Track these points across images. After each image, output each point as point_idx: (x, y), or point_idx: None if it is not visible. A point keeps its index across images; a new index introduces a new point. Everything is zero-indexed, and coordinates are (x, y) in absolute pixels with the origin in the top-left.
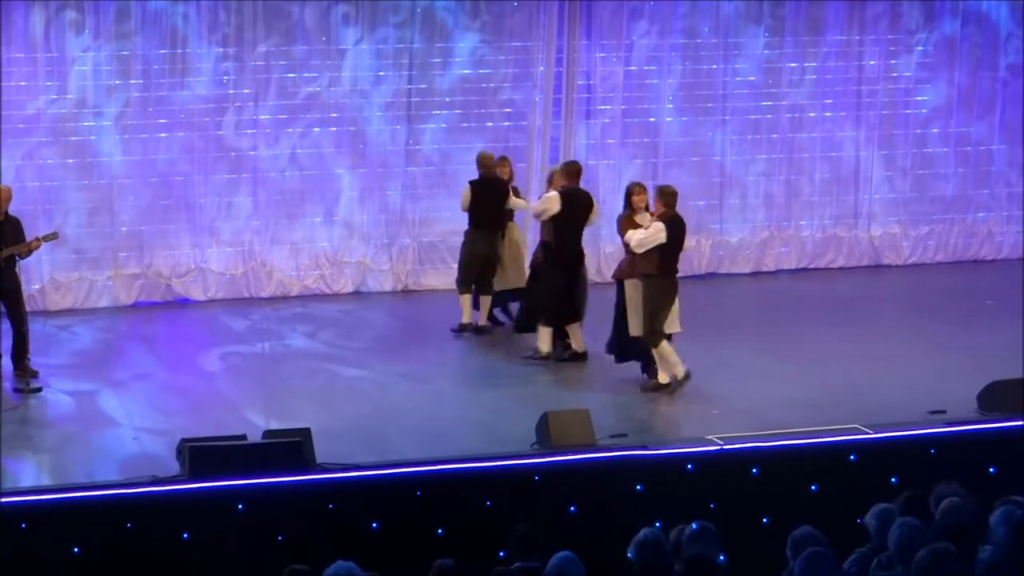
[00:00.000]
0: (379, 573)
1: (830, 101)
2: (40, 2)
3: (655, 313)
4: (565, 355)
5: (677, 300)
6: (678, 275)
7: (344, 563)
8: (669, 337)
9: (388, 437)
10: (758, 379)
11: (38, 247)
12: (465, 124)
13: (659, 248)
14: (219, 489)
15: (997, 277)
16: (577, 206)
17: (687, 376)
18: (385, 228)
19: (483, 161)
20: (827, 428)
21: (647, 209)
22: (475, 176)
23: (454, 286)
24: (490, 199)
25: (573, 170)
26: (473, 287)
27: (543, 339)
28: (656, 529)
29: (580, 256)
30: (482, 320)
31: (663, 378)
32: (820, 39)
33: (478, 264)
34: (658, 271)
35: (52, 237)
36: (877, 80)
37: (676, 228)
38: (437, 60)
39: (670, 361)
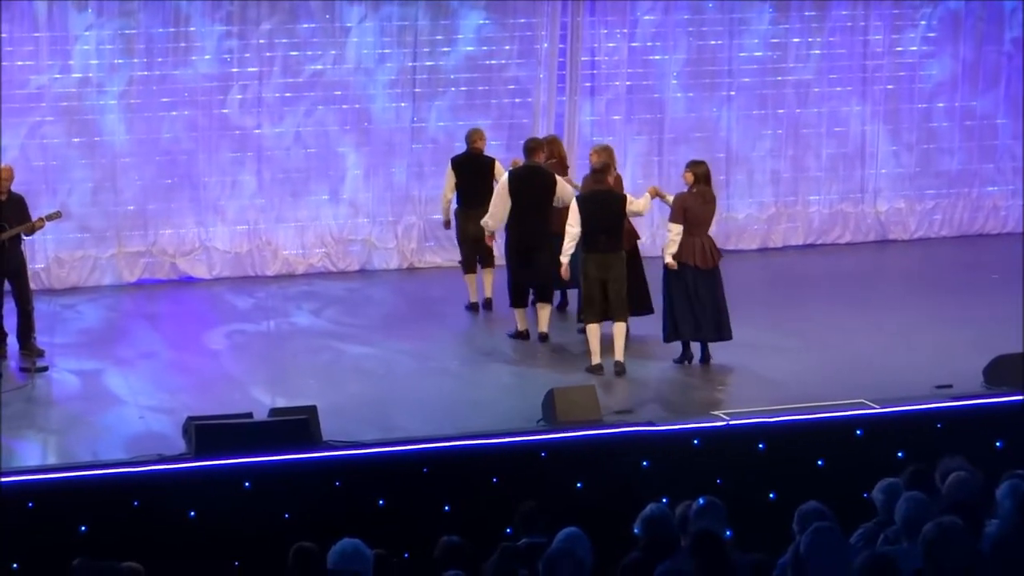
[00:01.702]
0: (386, 550)
1: (836, 76)
2: None
3: (583, 286)
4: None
5: (613, 286)
6: (609, 253)
7: (351, 540)
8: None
9: (394, 414)
10: (764, 355)
11: (42, 227)
12: (470, 102)
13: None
14: (225, 467)
15: (1002, 251)
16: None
17: (597, 369)
18: (390, 206)
19: (468, 136)
20: (833, 403)
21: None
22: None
23: (458, 264)
24: (470, 175)
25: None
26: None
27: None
28: (662, 505)
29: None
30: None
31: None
32: (825, 14)
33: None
34: (583, 246)
35: (56, 216)
36: (882, 55)
37: (589, 205)
38: (441, 38)
39: (590, 346)
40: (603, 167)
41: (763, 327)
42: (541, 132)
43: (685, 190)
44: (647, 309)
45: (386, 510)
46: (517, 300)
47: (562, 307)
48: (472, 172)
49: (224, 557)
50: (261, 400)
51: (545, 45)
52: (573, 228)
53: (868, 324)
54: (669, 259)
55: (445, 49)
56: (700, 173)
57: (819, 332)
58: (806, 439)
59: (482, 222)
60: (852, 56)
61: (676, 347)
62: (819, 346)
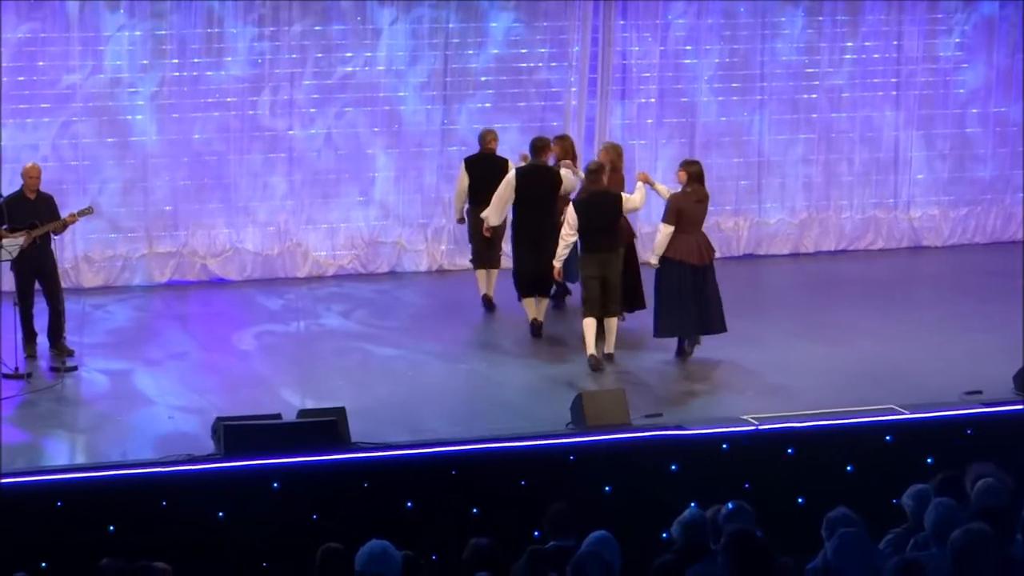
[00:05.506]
0: (414, 552)
1: (869, 82)
2: None
3: (584, 284)
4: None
5: (608, 282)
6: (608, 252)
7: (379, 542)
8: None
9: (423, 416)
10: (794, 359)
11: (73, 222)
12: (500, 104)
13: (579, 226)
14: (254, 468)
15: None
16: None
17: (594, 362)
18: (420, 208)
19: (481, 136)
20: (863, 408)
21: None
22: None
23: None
24: (483, 174)
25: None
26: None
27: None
28: (699, 510)
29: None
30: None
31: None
32: (858, 19)
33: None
34: (582, 247)
35: (87, 212)
36: (916, 61)
37: (587, 208)
38: (472, 40)
39: (585, 339)
40: (598, 167)
41: (793, 332)
42: (572, 135)
43: (679, 189)
44: (640, 304)
45: (414, 512)
46: (525, 291)
47: (561, 297)
48: (485, 171)
49: (252, 558)
50: (290, 401)
51: (576, 48)
52: (570, 236)
53: (899, 330)
54: (654, 259)
55: (476, 52)
56: (693, 172)
57: (850, 337)
58: (835, 444)
59: (483, 215)
60: (885, 62)
61: (665, 342)
62: (849, 351)
